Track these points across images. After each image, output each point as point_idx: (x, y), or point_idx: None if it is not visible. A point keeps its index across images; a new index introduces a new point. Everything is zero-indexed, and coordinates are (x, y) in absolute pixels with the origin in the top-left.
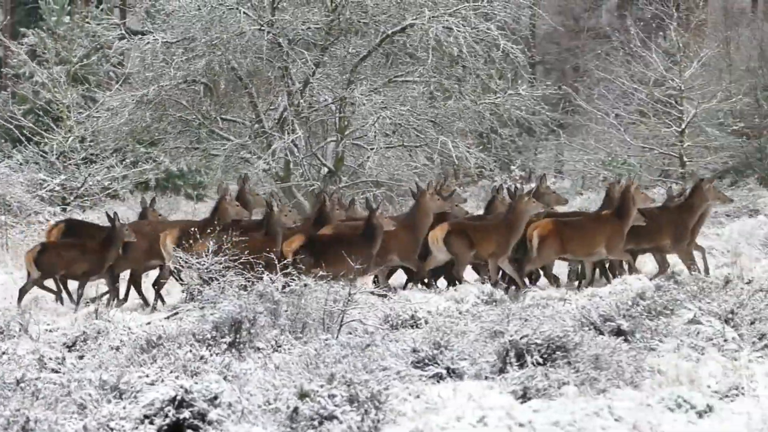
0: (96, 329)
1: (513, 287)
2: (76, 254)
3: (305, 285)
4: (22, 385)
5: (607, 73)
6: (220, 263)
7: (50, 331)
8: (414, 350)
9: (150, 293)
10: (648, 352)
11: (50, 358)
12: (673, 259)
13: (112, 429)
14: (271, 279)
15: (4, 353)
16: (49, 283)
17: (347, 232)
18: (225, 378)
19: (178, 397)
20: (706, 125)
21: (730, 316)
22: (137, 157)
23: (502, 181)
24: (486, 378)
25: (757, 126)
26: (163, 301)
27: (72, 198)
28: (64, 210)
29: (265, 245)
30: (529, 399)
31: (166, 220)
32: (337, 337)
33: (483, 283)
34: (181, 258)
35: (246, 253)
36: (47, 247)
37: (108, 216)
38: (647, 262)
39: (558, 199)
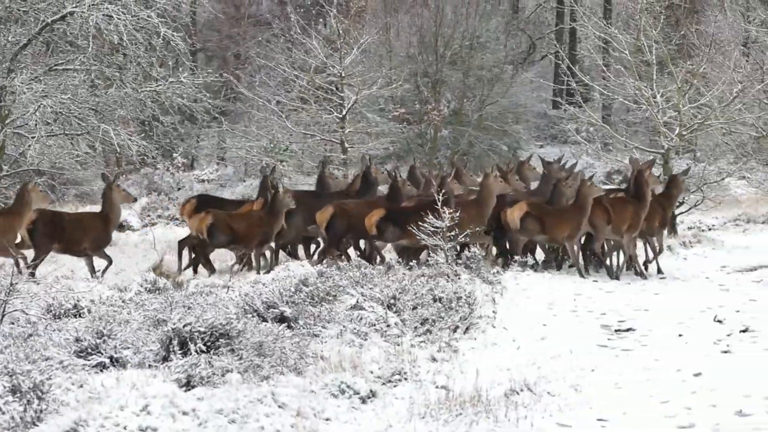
0: None
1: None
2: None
3: None
4: None
5: (268, 60)
6: None
7: None
8: (77, 339)
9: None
10: (311, 338)
11: None
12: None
13: None
14: None
15: None
16: None
17: (426, 203)
18: None
19: None
20: (367, 111)
21: (392, 301)
22: None
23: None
24: (150, 366)
25: (418, 111)
26: None
27: None
28: None
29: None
30: (193, 387)
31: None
32: None
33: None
34: None
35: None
36: (219, 218)
37: (272, 184)
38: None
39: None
